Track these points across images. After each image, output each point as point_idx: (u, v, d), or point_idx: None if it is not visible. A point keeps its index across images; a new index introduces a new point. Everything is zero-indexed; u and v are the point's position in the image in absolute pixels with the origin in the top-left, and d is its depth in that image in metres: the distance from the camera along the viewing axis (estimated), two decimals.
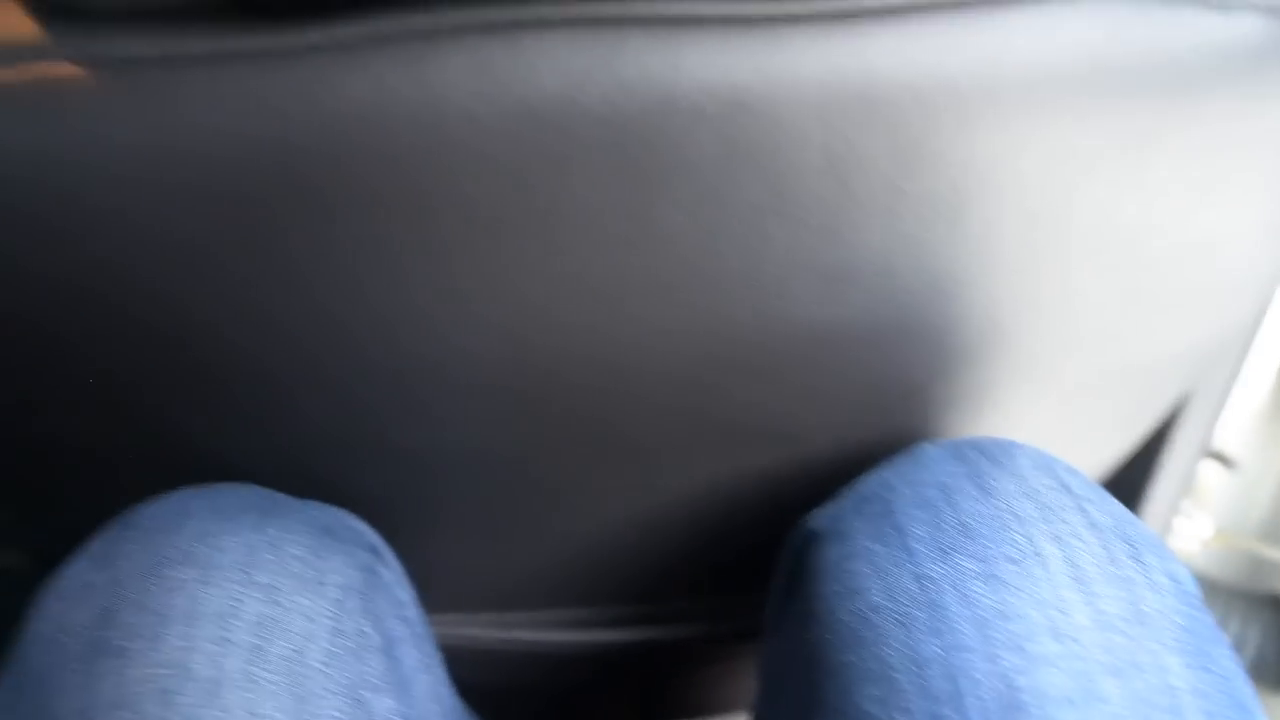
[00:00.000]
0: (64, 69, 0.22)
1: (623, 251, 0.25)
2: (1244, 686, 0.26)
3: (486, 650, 0.45)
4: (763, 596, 0.38)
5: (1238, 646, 0.92)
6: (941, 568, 0.26)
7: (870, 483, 0.31)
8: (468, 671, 0.38)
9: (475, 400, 0.30)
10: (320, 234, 0.24)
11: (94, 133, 0.22)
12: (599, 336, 0.28)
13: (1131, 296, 0.31)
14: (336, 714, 0.27)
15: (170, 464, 0.33)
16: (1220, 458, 0.81)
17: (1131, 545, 0.26)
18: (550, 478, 0.34)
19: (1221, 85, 0.26)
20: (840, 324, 0.28)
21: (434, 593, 0.37)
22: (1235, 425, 0.82)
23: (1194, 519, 0.85)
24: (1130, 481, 0.44)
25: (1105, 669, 0.24)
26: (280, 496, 0.33)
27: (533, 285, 0.26)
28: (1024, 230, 0.27)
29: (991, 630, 0.24)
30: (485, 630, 0.45)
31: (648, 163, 0.24)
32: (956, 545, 0.26)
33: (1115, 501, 0.28)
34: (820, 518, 0.31)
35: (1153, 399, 0.39)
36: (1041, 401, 0.34)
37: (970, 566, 0.26)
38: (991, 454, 0.29)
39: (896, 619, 0.26)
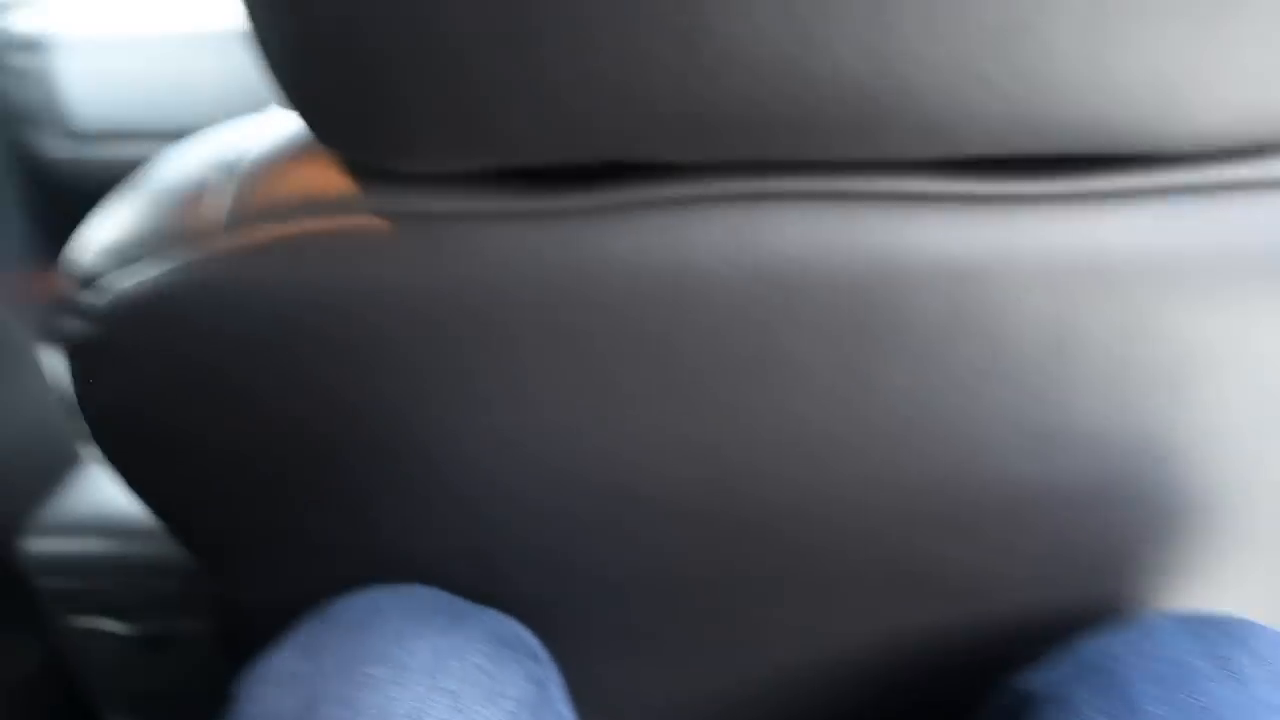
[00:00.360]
0: (367, 220, 0.26)
1: (841, 403, 0.26)
2: None
3: None
4: None
5: None
6: None
7: (1090, 649, 0.29)
8: None
9: (673, 527, 0.31)
10: (564, 369, 0.27)
11: (386, 275, 0.26)
12: (806, 478, 0.29)
13: None
14: None
15: (362, 558, 0.35)
16: None
17: None
18: (729, 607, 0.34)
19: None
20: (1047, 483, 0.28)
21: (580, 706, 0.37)
22: None
23: None
24: None
25: None
26: (460, 602, 0.34)
27: (751, 426, 0.27)
28: (1250, 403, 0.27)
29: None
30: None
31: (874, 324, 0.25)
32: None
33: None
34: (1035, 680, 0.30)
35: None
36: (1256, 573, 0.33)
37: None
38: (1231, 632, 0.28)
39: None
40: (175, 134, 1.12)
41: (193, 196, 0.28)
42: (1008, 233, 0.24)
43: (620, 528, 0.31)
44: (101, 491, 0.59)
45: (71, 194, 1.17)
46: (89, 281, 0.29)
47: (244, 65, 1.08)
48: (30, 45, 1.10)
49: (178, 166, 0.30)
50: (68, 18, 1.11)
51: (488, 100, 0.22)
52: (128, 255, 0.28)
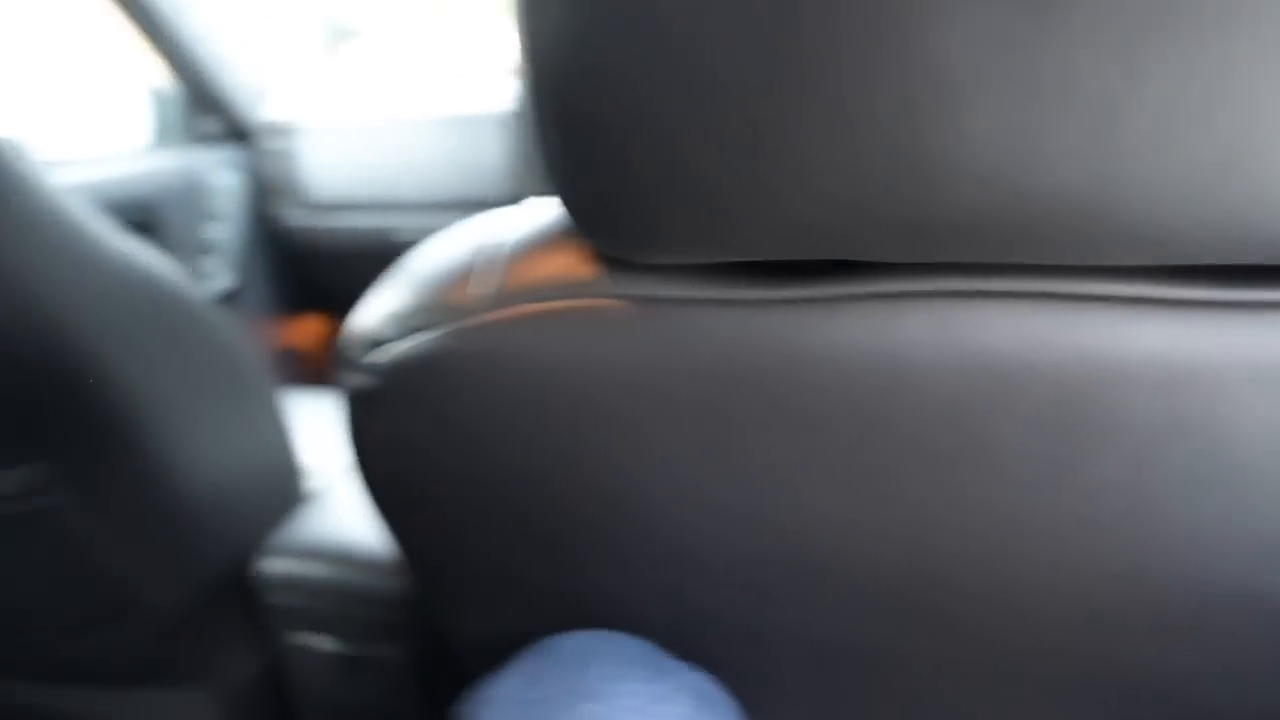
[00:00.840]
0: (610, 303, 0.30)
1: (1046, 497, 0.27)
2: None
3: None
4: None
5: None
6: None
7: None
8: None
9: (868, 604, 0.32)
10: (776, 445, 0.29)
11: (624, 350, 0.30)
12: (1005, 569, 0.29)
13: None
14: None
15: (572, 605, 0.39)
16: None
17: None
18: (920, 687, 0.35)
19: None
20: (1268, 592, 0.27)
21: None
22: None
23: None
24: None
25: None
26: (662, 655, 0.37)
27: (953, 513, 0.29)
28: None
29: None
30: None
31: (1084, 421, 0.26)
32: None
33: None
34: None
35: None
36: None
37: None
38: None
39: None
40: (389, 206, 1.26)
41: (462, 276, 0.33)
42: (1226, 337, 0.25)
43: (817, 600, 0.33)
44: (327, 522, 0.67)
45: (303, 256, 1.34)
46: (373, 343, 0.34)
47: (447, 148, 1.21)
48: (279, 130, 1.29)
49: (449, 249, 0.35)
50: (308, 106, 1.29)
51: (726, 205, 0.25)
52: (406, 323, 0.33)
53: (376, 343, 0.34)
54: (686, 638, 0.37)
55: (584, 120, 0.25)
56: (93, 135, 1.16)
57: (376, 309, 0.36)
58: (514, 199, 1.18)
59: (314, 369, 1.48)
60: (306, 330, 1.46)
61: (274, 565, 0.65)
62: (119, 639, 0.67)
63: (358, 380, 0.35)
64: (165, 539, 0.62)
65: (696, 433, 0.30)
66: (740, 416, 0.29)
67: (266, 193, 1.31)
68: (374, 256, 1.29)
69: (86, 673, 0.72)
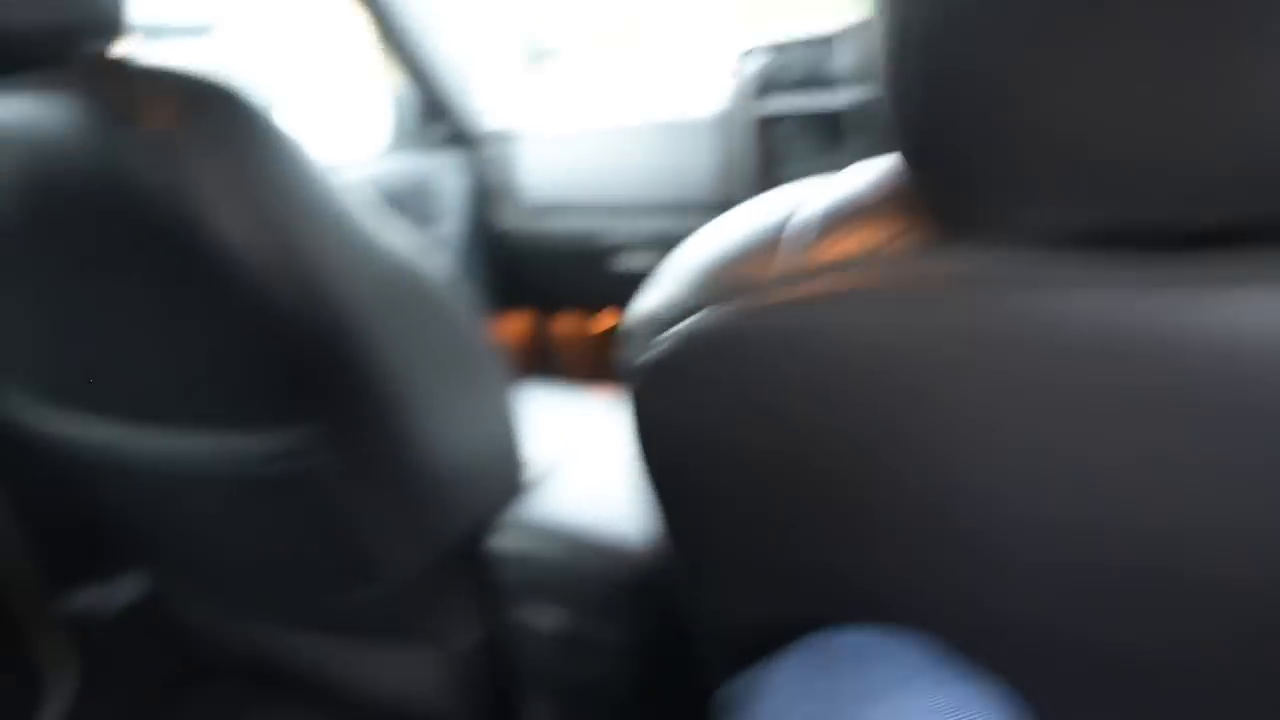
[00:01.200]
0: (927, 277, 0.29)
1: None
2: None
3: None
4: None
5: None
6: None
7: None
8: None
9: (1215, 615, 0.29)
10: (1121, 438, 0.27)
11: (945, 328, 0.28)
12: None
13: None
14: None
15: (845, 597, 0.37)
16: None
17: None
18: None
19: None
20: None
21: None
22: None
23: None
24: None
25: None
26: (947, 660, 0.35)
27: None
28: None
29: None
30: None
31: None
32: None
33: None
34: None
35: None
36: None
37: None
38: None
39: None
40: (599, 209, 1.31)
41: (762, 251, 0.33)
42: None
43: (1148, 612, 0.30)
44: (554, 504, 0.70)
45: (514, 255, 1.42)
46: (665, 320, 0.35)
47: (655, 154, 1.24)
48: (499, 137, 1.37)
49: (745, 226, 0.35)
50: (521, 117, 1.36)
51: (1121, 156, 0.23)
52: (701, 298, 0.34)
53: (668, 319, 0.35)
54: (972, 641, 0.35)
55: (956, 73, 0.24)
56: (347, 137, 1.28)
57: (668, 286, 0.36)
58: (720, 201, 1.18)
59: (519, 363, 1.55)
60: (513, 326, 1.54)
61: (503, 541, 0.69)
62: (361, 597, 0.73)
63: (647, 356, 0.36)
64: (409, 508, 0.67)
65: (1031, 421, 0.28)
66: (1086, 405, 0.27)
67: (485, 195, 1.39)
68: (582, 257, 1.34)
69: (329, 625, 0.79)
